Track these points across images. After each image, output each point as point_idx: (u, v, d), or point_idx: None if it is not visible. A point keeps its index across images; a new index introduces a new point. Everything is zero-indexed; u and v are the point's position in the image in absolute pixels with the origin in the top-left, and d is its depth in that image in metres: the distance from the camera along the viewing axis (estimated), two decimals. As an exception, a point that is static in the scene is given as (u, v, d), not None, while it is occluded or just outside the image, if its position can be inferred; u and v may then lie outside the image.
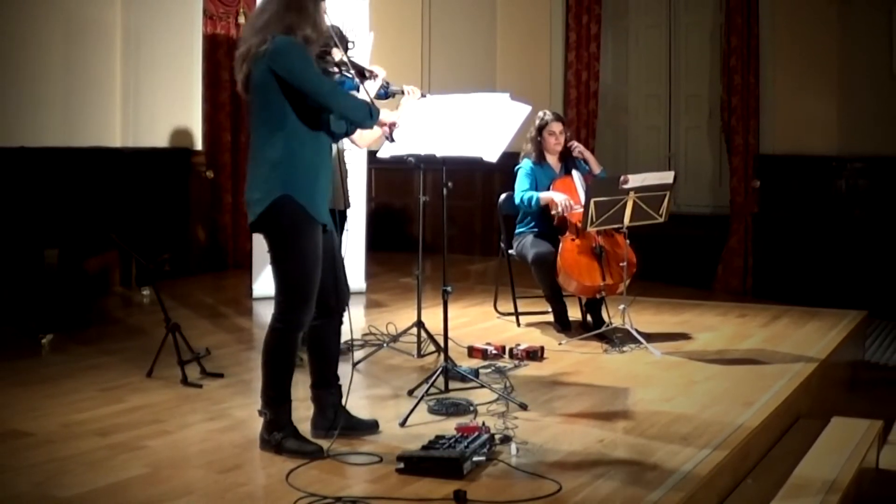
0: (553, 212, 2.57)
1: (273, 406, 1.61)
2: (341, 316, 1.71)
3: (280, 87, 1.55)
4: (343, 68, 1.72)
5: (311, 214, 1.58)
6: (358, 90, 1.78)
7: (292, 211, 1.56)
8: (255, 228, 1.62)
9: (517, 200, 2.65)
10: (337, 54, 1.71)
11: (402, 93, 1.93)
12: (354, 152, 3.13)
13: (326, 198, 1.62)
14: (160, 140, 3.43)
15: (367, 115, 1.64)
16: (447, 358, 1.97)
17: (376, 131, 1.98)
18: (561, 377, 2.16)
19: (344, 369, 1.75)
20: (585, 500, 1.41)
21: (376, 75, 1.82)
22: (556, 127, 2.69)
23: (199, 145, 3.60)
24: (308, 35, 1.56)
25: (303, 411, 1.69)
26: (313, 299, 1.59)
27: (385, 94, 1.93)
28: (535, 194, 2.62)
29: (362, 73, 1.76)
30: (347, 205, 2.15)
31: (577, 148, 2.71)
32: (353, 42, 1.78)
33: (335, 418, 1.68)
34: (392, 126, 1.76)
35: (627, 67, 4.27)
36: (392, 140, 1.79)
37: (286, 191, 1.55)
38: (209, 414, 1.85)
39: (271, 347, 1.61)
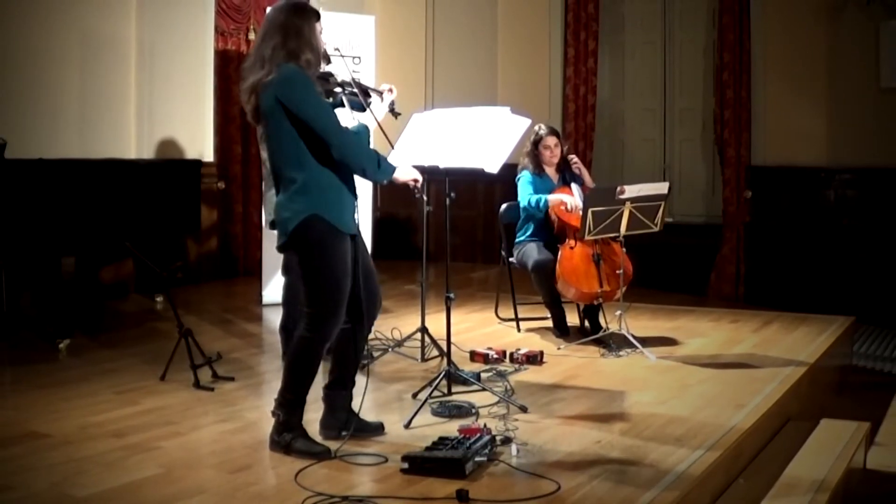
0: (563, 206, 2.59)
1: (287, 409, 1.64)
2: (372, 322, 1.73)
3: (287, 115, 1.56)
4: (347, 88, 1.72)
5: (340, 228, 1.61)
6: (364, 109, 1.78)
7: (321, 228, 1.58)
8: (284, 248, 1.63)
9: (524, 203, 2.69)
10: (340, 75, 1.72)
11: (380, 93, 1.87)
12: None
13: (353, 208, 1.64)
14: (173, 152, 3.49)
15: (374, 166, 1.59)
16: (450, 362, 2.02)
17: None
18: (560, 381, 2.20)
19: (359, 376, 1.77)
20: (583, 500, 1.44)
21: (381, 93, 1.82)
22: (551, 141, 2.75)
23: (210, 157, 3.66)
24: (309, 59, 1.59)
25: (310, 413, 1.72)
26: (342, 311, 1.61)
27: (392, 109, 1.95)
28: (543, 196, 2.67)
29: (367, 93, 1.76)
30: None
31: (576, 164, 2.77)
32: (358, 57, 1.81)
33: (347, 420, 1.71)
34: (415, 182, 1.69)
35: (624, 82, 4.34)
36: (421, 195, 1.70)
37: (314, 210, 1.58)
38: (220, 416, 1.89)
39: (297, 354, 1.64)
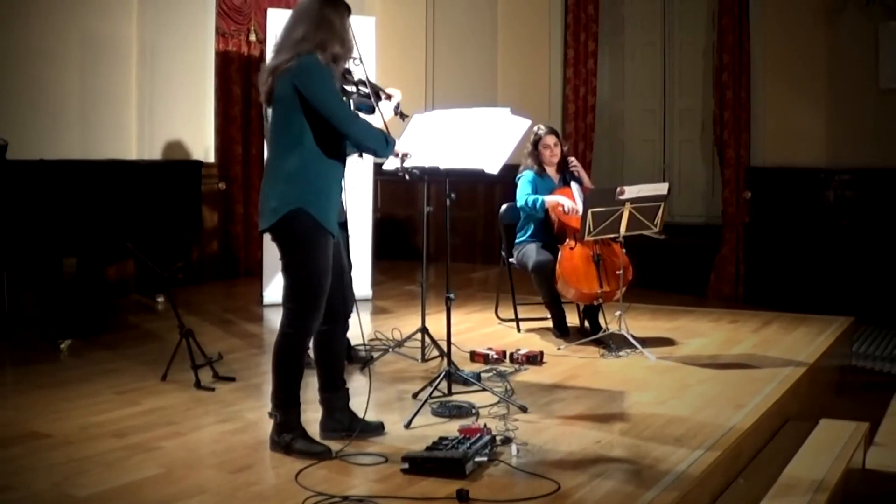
0: (560, 208, 2.61)
1: (283, 408, 1.65)
2: (347, 321, 1.75)
3: (301, 104, 1.58)
4: (361, 87, 1.76)
5: (323, 225, 1.62)
6: (373, 111, 1.81)
7: (305, 222, 1.60)
8: (268, 233, 1.66)
9: (521, 203, 2.71)
10: (357, 73, 1.74)
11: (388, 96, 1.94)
12: (360, 164, 3.22)
13: (337, 209, 1.66)
14: (174, 153, 3.50)
15: (382, 145, 1.68)
16: (450, 362, 2.02)
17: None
18: (560, 381, 2.21)
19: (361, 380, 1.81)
20: (583, 499, 1.45)
21: (391, 96, 1.85)
22: (550, 140, 2.76)
23: (211, 158, 3.67)
24: (337, 52, 1.61)
25: (311, 413, 1.73)
26: (322, 306, 1.63)
27: (398, 112, 1.99)
28: (539, 197, 2.68)
29: (378, 94, 1.79)
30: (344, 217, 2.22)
31: (575, 166, 2.78)
32: (360, 58, 1.85)
33: (351, 423, 1.72)
34: (405, 156, 1.78)
35: (623, 83, 4.35)
36: (403, 170, 1.79)
37: (300, 204, 1.59)
38: (221, 416, 1.90)
39: (281, 352, 1.65)
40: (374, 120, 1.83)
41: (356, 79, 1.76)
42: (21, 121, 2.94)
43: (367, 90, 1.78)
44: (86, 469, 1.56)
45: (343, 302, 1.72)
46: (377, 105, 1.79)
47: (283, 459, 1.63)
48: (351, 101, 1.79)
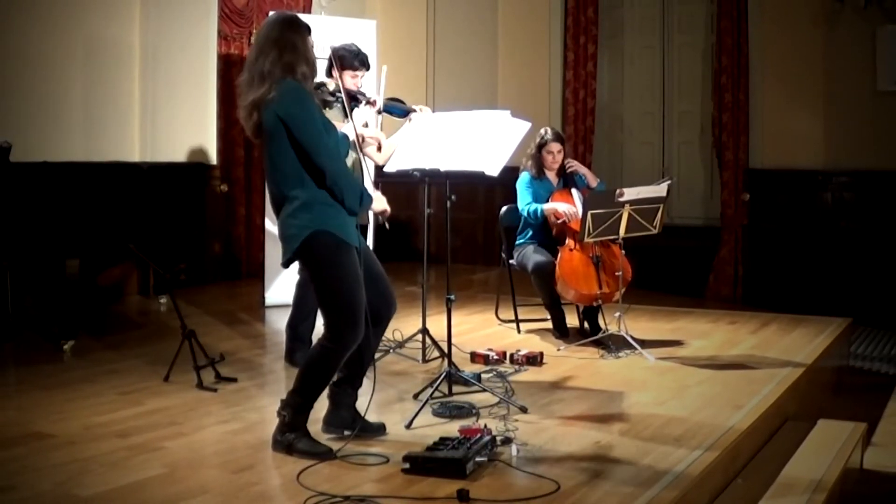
0: (559, 220, 2.65)
1: (295, 410, 1.66)
2: (387, 323, 1.77)
3: (287, 132, 1.58)
4: (338, 94, 1.76)
5: (344, 240, 1.62)
6: (406, 115, 1.82)
7: (326, 242, 1.61)
8: (290, 264, 1.66)
9: (523, 213, 2.74)
10: (331, 84, 1.74)
11: (414, 111, 1.99)
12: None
13: (355, 221, 1.67)
14: (176, 155, 3.52)
15: (355, 199, 1.62)
16: (451, 363, 2.04)
17: (391, 147, 2.04)
18: (559, 381, 2.23)
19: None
20: (583, 499, 1.46)
21: (370, 100, 1.85)
22: (555, 147, 2.78)
23: (213, 160, 3.68)
24: (304, 71, 1.61)
25: (313, 413, 1.73)
26: (361, 320, 1.62)
27: (403, 112, 1.99)
28: (539, 206, 2.70)
29: (354, 98, 1.79)
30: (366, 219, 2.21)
31: (572, 166, 2.80)
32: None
33: (353, 420, 1.74)
34: (383, 214, 1.75)
35: (623, 86, 4.37)
36: (384, 225, 1.76)
37: (318, 226, 1.60)
38: (223, 416, 1.91)
39: (316, 361, 1.66)
40: (349, 128, 1.79)
41: (332, 89, 1.76)
42: (25, 123, 2.95)
43: (345, 97, 1.75)
44: (89, 469, 1.57)
45: (384, 305, 1.72)
46: (350, 114, 1.76)
47: (286, 459, 1.64)
48: (383, 106, 1.77)
